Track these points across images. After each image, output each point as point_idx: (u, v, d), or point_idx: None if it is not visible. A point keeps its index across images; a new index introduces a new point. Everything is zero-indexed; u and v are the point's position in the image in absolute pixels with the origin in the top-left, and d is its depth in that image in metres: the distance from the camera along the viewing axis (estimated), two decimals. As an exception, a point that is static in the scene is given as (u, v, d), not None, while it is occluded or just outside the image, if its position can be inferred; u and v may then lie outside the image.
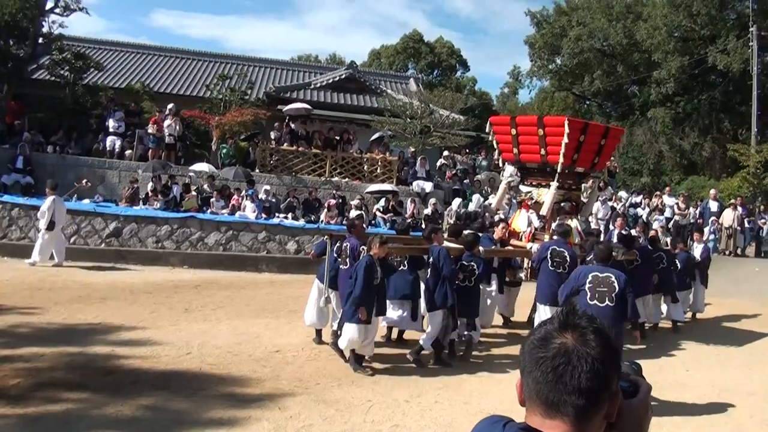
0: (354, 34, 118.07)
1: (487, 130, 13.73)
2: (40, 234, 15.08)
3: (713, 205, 21.39)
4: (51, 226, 14.87)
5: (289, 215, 18.61)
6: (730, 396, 8.53)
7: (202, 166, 20.08)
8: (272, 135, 22.10)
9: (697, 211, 21.70)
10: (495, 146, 13.55)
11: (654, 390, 6.02)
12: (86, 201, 17.63)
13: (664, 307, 12.90)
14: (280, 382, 7.90)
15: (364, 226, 12.39)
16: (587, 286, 8.02)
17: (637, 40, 40.43)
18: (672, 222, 20.56)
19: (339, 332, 8.89)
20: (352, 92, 29.94)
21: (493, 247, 11.21)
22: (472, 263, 9.69)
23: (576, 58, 43.58)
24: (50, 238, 14.93)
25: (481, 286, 10.03)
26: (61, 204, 15.49)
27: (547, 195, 11.87)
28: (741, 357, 10.89)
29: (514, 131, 12.39)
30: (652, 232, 14.31)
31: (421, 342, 9.21)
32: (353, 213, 18.66)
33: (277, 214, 18.66)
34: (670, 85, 39.04)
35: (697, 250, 13.99)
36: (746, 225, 21.28)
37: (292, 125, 22.71)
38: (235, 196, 18.54)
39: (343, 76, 30.59)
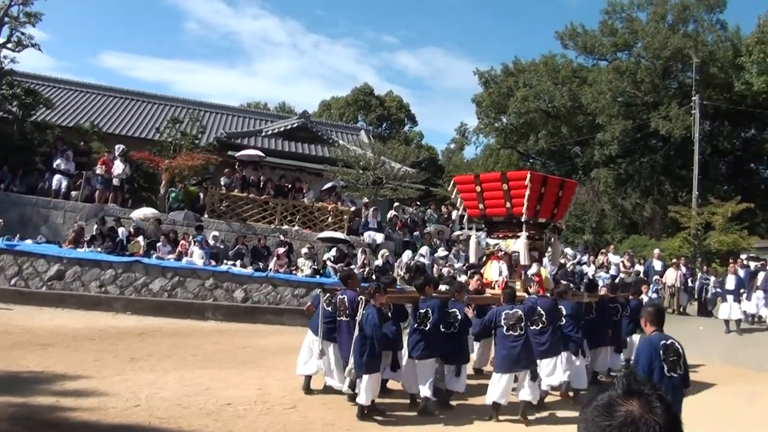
0: (304, 85, 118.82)
1: (450, 189, 14.49)
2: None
3: (657, 264, 21.85)
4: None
5: (238, 262, 18.29)
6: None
7: (146, 212, 19.54)
8: (222, 181, 21.84)
9: (642, 269, 22.10)
10: (459, 203, 14.20)
11: None
12: (28, 241, 17.11)
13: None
14: (234, 438, 7.66)
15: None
16: (502, 321, 9.00)
17: (582, 103, 41.82)
18: (618, 279, 20.90)
19: (356, 390, 8.99)
20: (303, 141, 29.96)
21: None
22: (455, 310, 9.95)
23: (522, 118, 44.76)
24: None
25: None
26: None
27: (519, 245, 12.52)
28: (691, 415, 10.92)
29: (478, 188, 13.11)
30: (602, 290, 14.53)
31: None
32: (302, 261, 18.53)
33: (225, 261, 18.30)
34: (613, 147, 40.31)
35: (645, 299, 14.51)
36: (689, 284, 21.78)
37: (244, 171, 22.53)
38: (183, 241, 18.21)
39: (295, 125, 30.61)
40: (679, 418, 1.61)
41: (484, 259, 13.97)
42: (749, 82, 37.89)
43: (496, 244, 13.24)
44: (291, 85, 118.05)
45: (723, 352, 16.09)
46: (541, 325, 10.25)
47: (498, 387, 9.24)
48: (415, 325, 9.57)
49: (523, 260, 12.56)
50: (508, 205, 12.69)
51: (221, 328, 15.55)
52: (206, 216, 20.63)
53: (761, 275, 18.79)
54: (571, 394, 11.06)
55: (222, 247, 19.11)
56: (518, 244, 12.66)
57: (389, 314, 9.75)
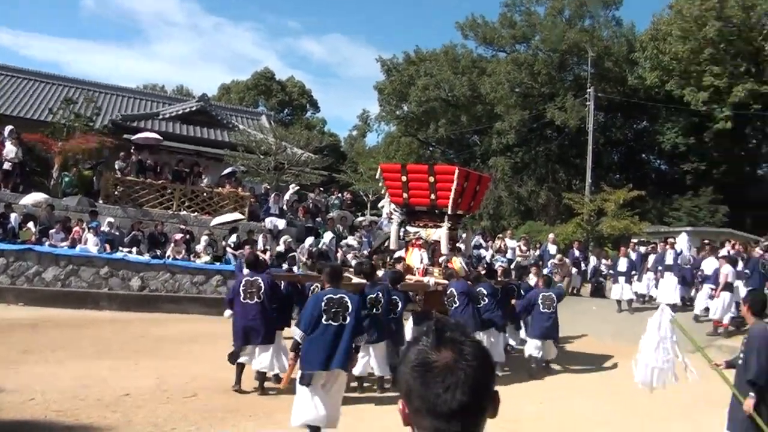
0: (203, 68, 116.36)
1: (377, 176, 14.79)
2: None
3: (552, 248, 22.57)
4: None
5: (134, 250, 17.81)
6: (587, 426, 8.96)
7: (38, 197, 18.71)
8: (118, 165, 21.13)
9: (537, 254, 22.81)
10: (384, 191, 14.74)
11: (511, 422, 6.32)
12: None
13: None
14: (133, 428, 7.53)
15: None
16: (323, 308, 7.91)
17: (481, 93, 42.78)
18: (514, 263, 21.49)
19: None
20: (202, 125, 29.31)
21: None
22: (395, 297, 10.57)
23: (422, 106, 45.32)
24: None
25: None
26: None
27: (441, 235, 13.20)
28: (590, 389, 11.49)
29: (404, 178, 13.56)
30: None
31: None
32: (200, 248, 18.19)
33: (120, 248, 17.78)
34: (510, 136, 41.48)
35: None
36: (582, 267, 22.74)
37: (140, 155, 21.91)
38: (77, 228, 17.59)
39: (194, 108, 29.87)
40: (492, 361, 1.68)
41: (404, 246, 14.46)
42: (642, 76, 39.78)
43: (417, 233, 13.78)
44: (190, 68, 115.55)
45: (615, 331, 16.91)
46: (455, 305, 11.38)
47: None
48: (365, 311, 9.72)
49: (444, 249, 13.21)
50: (432, 196, 13.25)
51: (118, 318, 15.18)
52: (101, 201, 19.96)
53: (651, 258, 19.82)
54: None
55: (117, 233, 18.55)
56: (440, 234, 13.29)
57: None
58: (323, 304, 7.56)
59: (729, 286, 15.84)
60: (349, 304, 7.65)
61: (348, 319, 7.57)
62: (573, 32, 41.24)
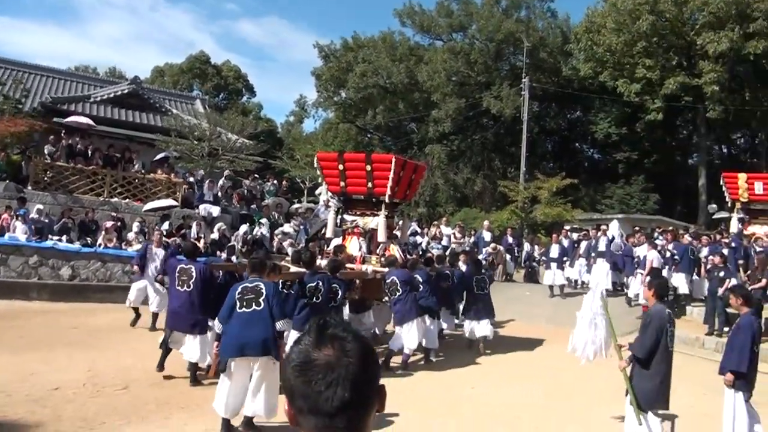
0: (139, 50, 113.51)
1: (315, 164, 14.86)
2: None
3: (487, 235, 22.87)
4: None
5: (64, 238, 17.31)
6: (517, 409, 9.10)
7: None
8: (47, 149, 20.48)
9: (472, 240, 23.06)
10: (321, 179, 14.88)
11: (445, 407, 6.42)
12: None
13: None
14: (62, 423, 7.33)
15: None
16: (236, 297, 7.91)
17: (418, 80, 43.10)
18: (449, 250, 21.69)
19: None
20: (134, 109, 28.69)
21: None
22: (335, 285, 10.49)
23: (360, 93, 45.44)
24: None
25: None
26: None
27: (379, 223, 13.27)
28: (522, 372, 11.70)
29: (341, 166, 13.53)
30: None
31: None
32: (132, 235, 17.81)
33: (50, 237, 17.26)
34: (446, 124, 41.87)
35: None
36: (515, 253, 23.27)
37: (70, 140, 21.28)
38: (5, 215, 17.02)
39: (126, 91, 29.17)
40: (375, 356, 1.67)
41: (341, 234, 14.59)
42: (576, 67, 40.76)
43: (354, 221, 13.85)
44: (125, 50, 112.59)
45: (548, 315, 17.41)
46: (398, 294, 11.38)
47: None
48: (305, 300, 9.88)
49: (381, 237, 13.28)
50: (369, 185, 13.31)
51: (48, 308, 14.78)
52: (30, 188, 19.28)
53: (583, 244, 20.36)
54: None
55: (47, 221, 17.99)
56: (377, 222, 13.36)
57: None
58: (237, 293, 7.71)
59: (656, 272, 16.30)
60: (263, 290, 7.70)
61: (262, 305, 7.60)
62: (509, 22, 41.87)
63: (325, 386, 1.55)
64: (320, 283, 10.12)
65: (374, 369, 1.64)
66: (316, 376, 1.56)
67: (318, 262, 11.54)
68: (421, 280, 12.06)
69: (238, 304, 7.66)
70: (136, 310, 13.57)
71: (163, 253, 13.54)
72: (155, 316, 13.35)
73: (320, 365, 1.57)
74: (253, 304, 7.64)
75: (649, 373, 6.78)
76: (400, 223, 16.16)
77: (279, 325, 7.76)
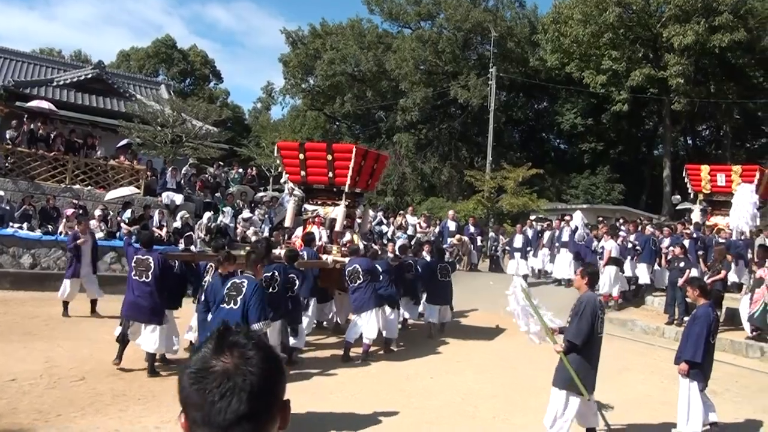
0: (103, 32, 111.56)
1: (275, 154, 14.95)
2: None
3: (451, 225, 23.00)
4: None
5: (24, 225, 17.06)
6: (474, 400, 9.19)
7: None
8: (9, 134, 20.08)
9: (437, 230, 23.17)
10: (282, 168, 14.87)
11: (402, 398, 6.45)
12: None
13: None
14: (18, 416, 7.26)
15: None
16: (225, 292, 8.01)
17: (387, 69, 43.04)
18: (414, 239, 21.78)
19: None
20: (98, 94, 28.28)
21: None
22: (292, 275, 10.51)
23: (328, 80, 45.30)
24: None
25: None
26: None
27: (337, 212, 13.45)
28: (481, 363, 11.78)
29: (302, 156, 13.65)
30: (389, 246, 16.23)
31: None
32: (94, 223, 17.62)
33: (10, 224, 17.00)
34: (414, 113, 41.94)
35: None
36: (479, 243, 23.39)
37: (32, 125, 20.93)
38: (-38, 202, 16.76)
39: (89, 76, 28.75)
40: (282, 367, 1.58)
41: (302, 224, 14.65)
42: (543, 58, 41.02)
43: (314, 210, 14.01)
44: (92, 33, 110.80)
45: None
46: (358, 282, 11.38)
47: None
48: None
49: (339, 227, 13.47)
50: (330, 174, 13.46)
51: (7, 297, 14.56)
52: (-11, 174, 19.02)
53: (547, 234, 20.58)
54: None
55: (7, 208, 17.68)
56: (337, 212, 13.55)
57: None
58: (227, 288, 7.96)
59: (615, 261, 16.57)
60: (244, 289, 7.75)
61: (238, 304, 7.71)
62: (477, 12, 41.97)
63: (219, 396, 1.45)
64: (275, 273, 10.04)
65: (276, 381, 1.54)
66: (210, 384, 1.46)
67: (277, 251, 11.55)
68: (381, 269, 12.08)
69: (226, 299, 7.80)
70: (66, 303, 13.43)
71: (91, 240, 13.99)
72: (95, 302, 13.60)
73: (216, 373, 1.47)
74: (232, 302, 7.75)
75: (581, 358, 6.99)
76: (361, 211, 16.22)
77: (255, 327, 7.59)
